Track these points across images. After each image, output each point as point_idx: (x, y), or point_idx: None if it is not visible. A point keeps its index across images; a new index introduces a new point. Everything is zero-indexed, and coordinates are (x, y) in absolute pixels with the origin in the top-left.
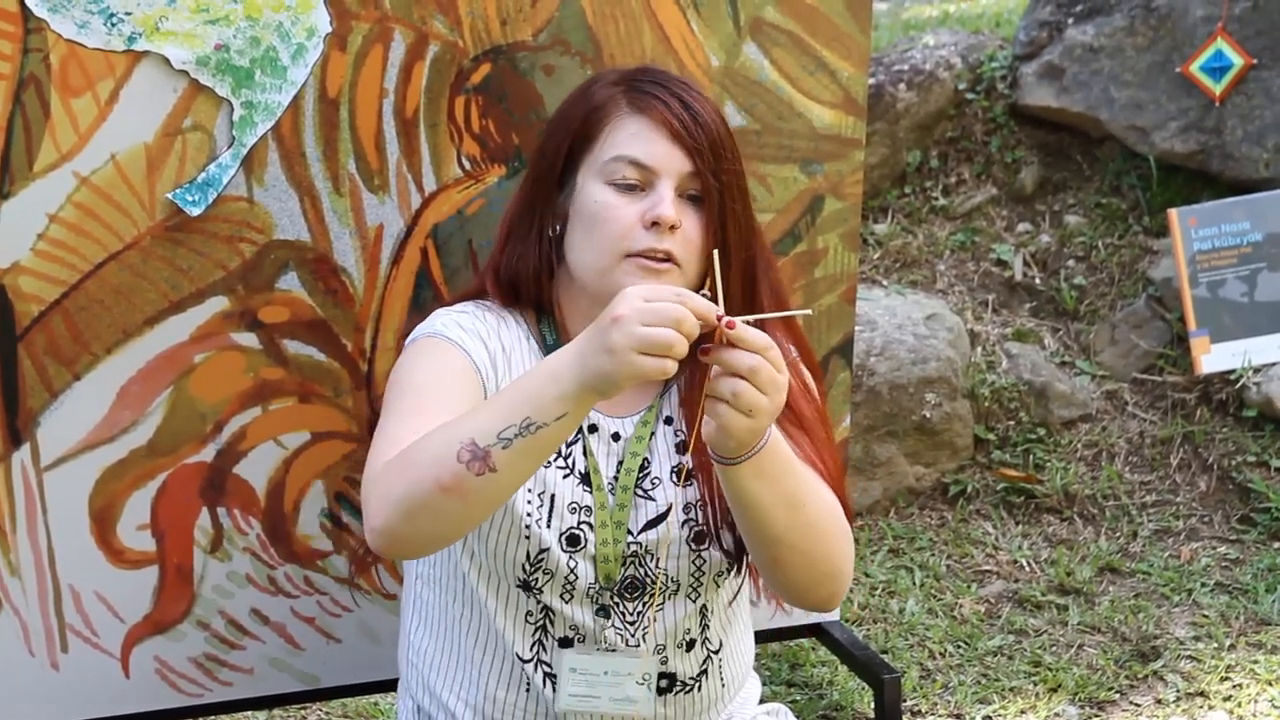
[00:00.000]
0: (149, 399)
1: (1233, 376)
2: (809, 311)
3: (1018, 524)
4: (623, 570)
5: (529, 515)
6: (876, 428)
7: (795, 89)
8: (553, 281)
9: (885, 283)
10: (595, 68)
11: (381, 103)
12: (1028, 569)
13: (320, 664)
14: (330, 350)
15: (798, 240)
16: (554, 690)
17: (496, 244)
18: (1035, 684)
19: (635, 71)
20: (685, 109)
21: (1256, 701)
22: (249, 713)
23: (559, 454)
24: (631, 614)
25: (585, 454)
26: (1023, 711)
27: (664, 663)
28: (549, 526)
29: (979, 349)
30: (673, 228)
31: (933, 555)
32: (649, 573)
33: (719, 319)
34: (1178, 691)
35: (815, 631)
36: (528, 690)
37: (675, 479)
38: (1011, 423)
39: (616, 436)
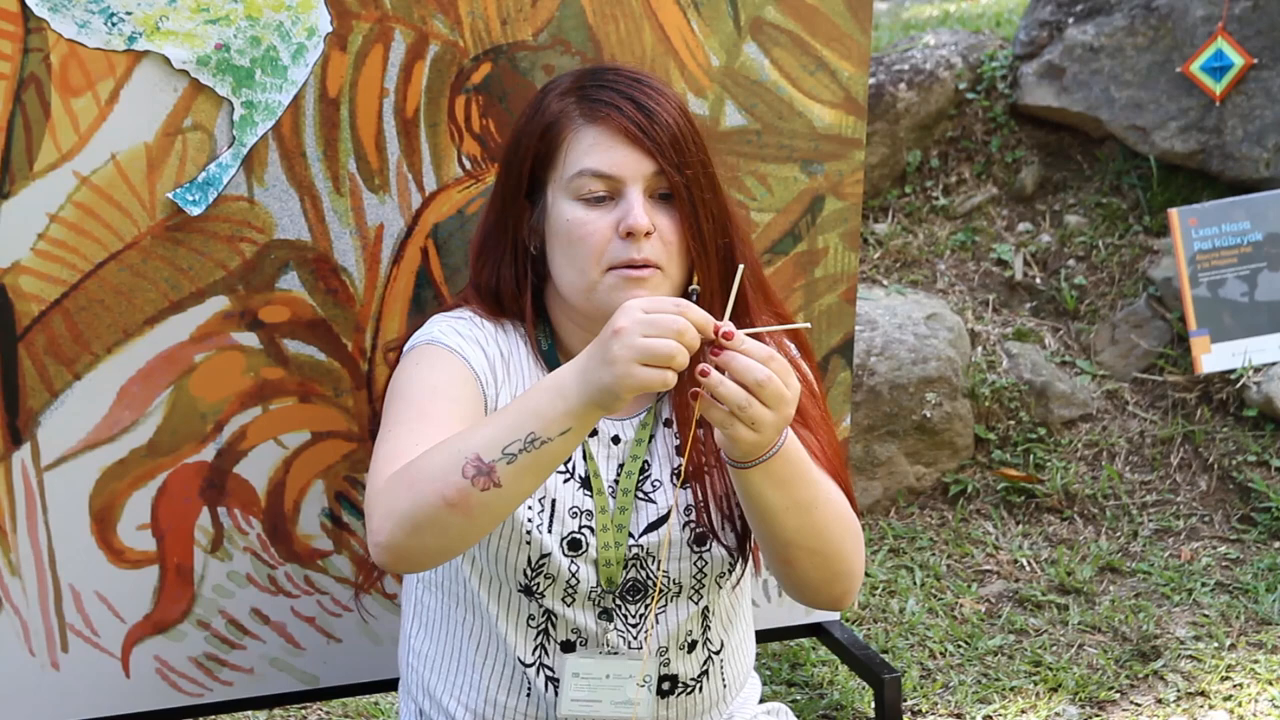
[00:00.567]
0: (149, 399)
1: (1233, 376)
2: (809, 325)
3: (1018, 524)
4: (624, 573)
5: (530, 521)
6: (877, 427)
7: (796, 89)
8: (544, 292)
9: (886, 282)
10: None
11: (382, 102)
12: (1028, 569)
13: (320, 664)
14: (330, 350)
15: (798, 240)
16: (555, 694)
17: (471, 263)
18: (1035, 684)
19: (585, 76)
20: (639, 109)
21: (1257, 701)
22: (249, 712)
23: None
24: (634, 616)
25: (585, 458)
26: (1023, 711)
27: (666, 664)
28: (550, 532)
29: (979, 349)
30: (648, 234)
31: (933, 555)
32: (650, 575)
33: (717, 330)
34: (1178, 691)
35: (815, 631)
36: (528, 695)
37: (675, 481)
38: (1012, 422)
39: (616, 440)
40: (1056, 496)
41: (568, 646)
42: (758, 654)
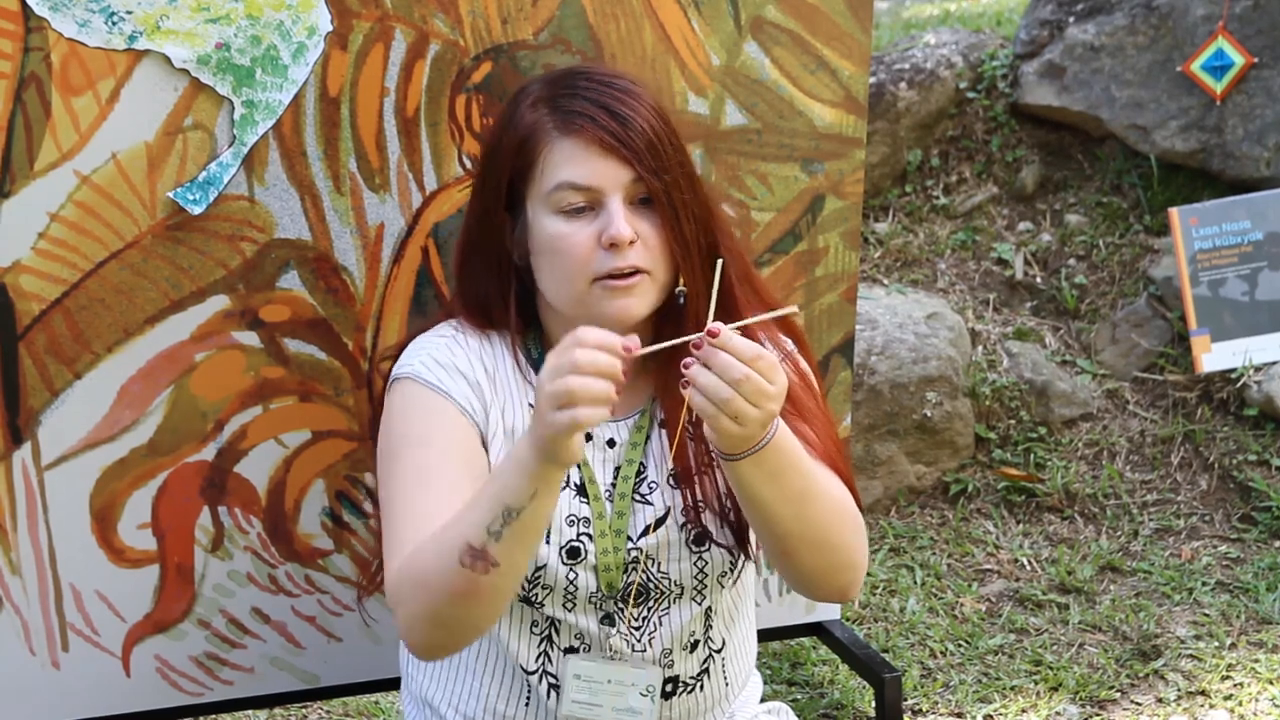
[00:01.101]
0: (150, 398)
1: (1233, 375)
2: (796, 309)
3: (1018, 523)
4: (625, 577)
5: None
6: (877, 427)
7: (796, 88)
8: (535, 299)
9: (886, 282)
10: None
11: (382, 101)
12: (1028, 568)
13: (321, 663)
14: (331, 349)
15: (798, 239)
16: (557, 698)
17: (456, 276)
18: (1036, 683)
19: (556, 84)
20: (613, 117)
21: (1257, 700)
22: (250, 712)
23: None
24: (636, 619)
25: (580, 465)
26: (1024, 710)
27: (669, 667)
28: (548, 542)
29: (980, 348)
30: (631, 242)
31: (933, 554)
32: (651, 578)
33: (706, 331)
34: (1179, 690)
35: (816, 630)
36: (527, 703)
37: (671, 482)
38: (1012, 422)
39: (612, 443)
40: (1057, 496)
41: (571, 651)
42: (758, 653)
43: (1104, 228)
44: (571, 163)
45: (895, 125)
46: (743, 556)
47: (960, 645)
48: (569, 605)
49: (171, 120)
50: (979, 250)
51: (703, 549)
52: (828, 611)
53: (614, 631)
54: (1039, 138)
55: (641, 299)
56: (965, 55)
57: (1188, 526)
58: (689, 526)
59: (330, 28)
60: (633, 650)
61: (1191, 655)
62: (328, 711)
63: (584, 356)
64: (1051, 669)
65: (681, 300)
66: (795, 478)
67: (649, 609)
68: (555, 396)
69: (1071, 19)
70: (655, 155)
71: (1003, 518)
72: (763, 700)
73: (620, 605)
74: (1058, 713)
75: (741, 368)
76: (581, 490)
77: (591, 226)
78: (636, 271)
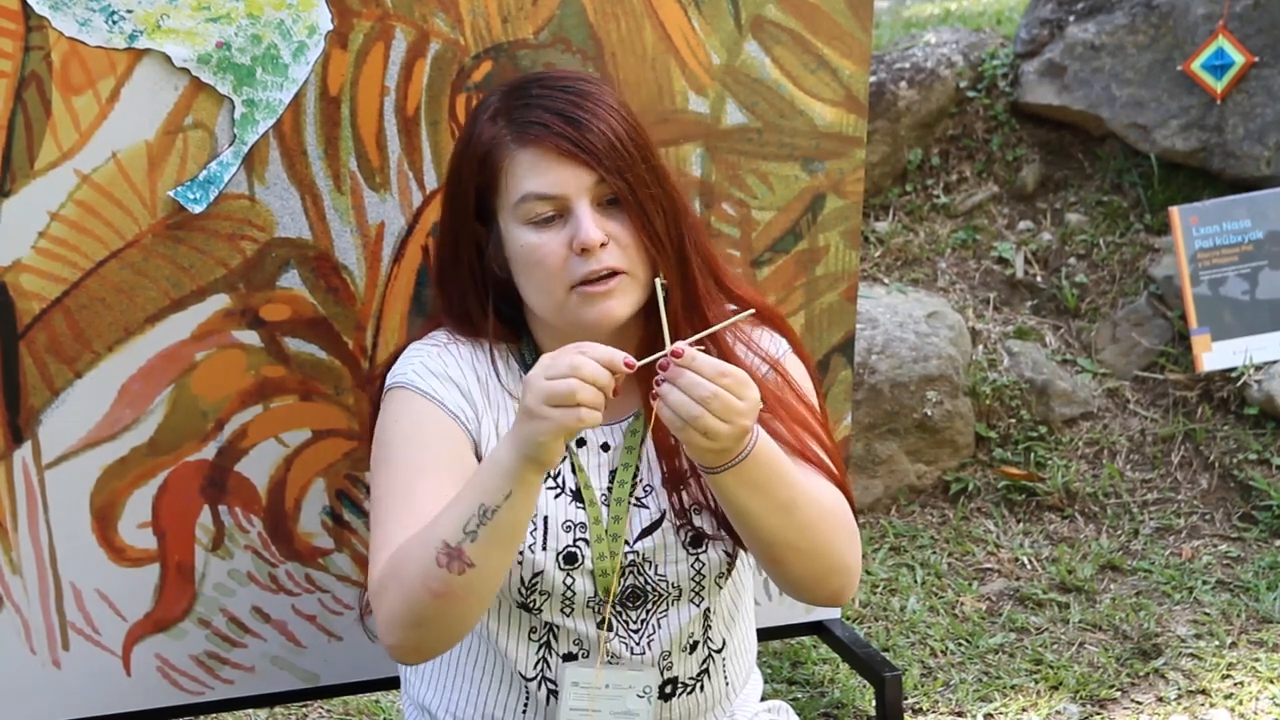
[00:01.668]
0: (150, 397)
1: (1234, 374)
2: (750, 312)
3: (1019, 522)
4: (622, 580)
5: (524, 541)
6: (878, 426)
7: (796, 87)
8: (523, 308)
9: (886, 281)
10: (596, 66)
11: (383, 100)
12: (1029, 567)
13: (321, 662)
14: (331, 348)
15: (799, 238)
16: (556, 703)
17: (435, 292)
18: (1036, 682)
19: (511, 95)
20: (568, 123)
21: (1258, 699)
22: (250, 711)
23: (549, 474)
24: (635, 622)
25: (575, 470)
26: (1024, 709)
27: (668, 669)
28: (544, 549)
29: (980, 347)
30: (602, 244)
31: (934, 553)
32: (648, 580)
33: (670, 352)
34: (1179, 689)
35: (816, 629)
36: (525, 710)
37: (665, 486)
38: (1013, 421)
39: (606, 447)
40: (1057, 495)
41: (570, 658)
42: (759, 652)
43: (1104, 227)
44: (533, 173)
45: (896, 124)
46: (740, 554)
47: (961, 644)
48: (566, 611)
49: (172, 119)
50: (979, 249)
51: (700, 550)
52: (828, 610)
53: (612, 635)
54: (1039, 137)
55: (622, 299)
56: (966, 54)
57: (1188, 525)
58: (684, 528)
59: (331, 27)
60: (631, 653)
61: (1192, 654)
62: (328, 710)
63: (585, 364)
64: (1052, 668)
65: (666, 294)
66: (779, 487)
67: (647, 612)
68: (557, 395)
69: (1072, 18)
70: (616, 155)
71: (1003, 517)
72: (763, 699)
73: (615, 609)
74: (1058, 712)
75: (709, 386)
76: (577, 495)
77: (562, 234)
78: (613, 274)
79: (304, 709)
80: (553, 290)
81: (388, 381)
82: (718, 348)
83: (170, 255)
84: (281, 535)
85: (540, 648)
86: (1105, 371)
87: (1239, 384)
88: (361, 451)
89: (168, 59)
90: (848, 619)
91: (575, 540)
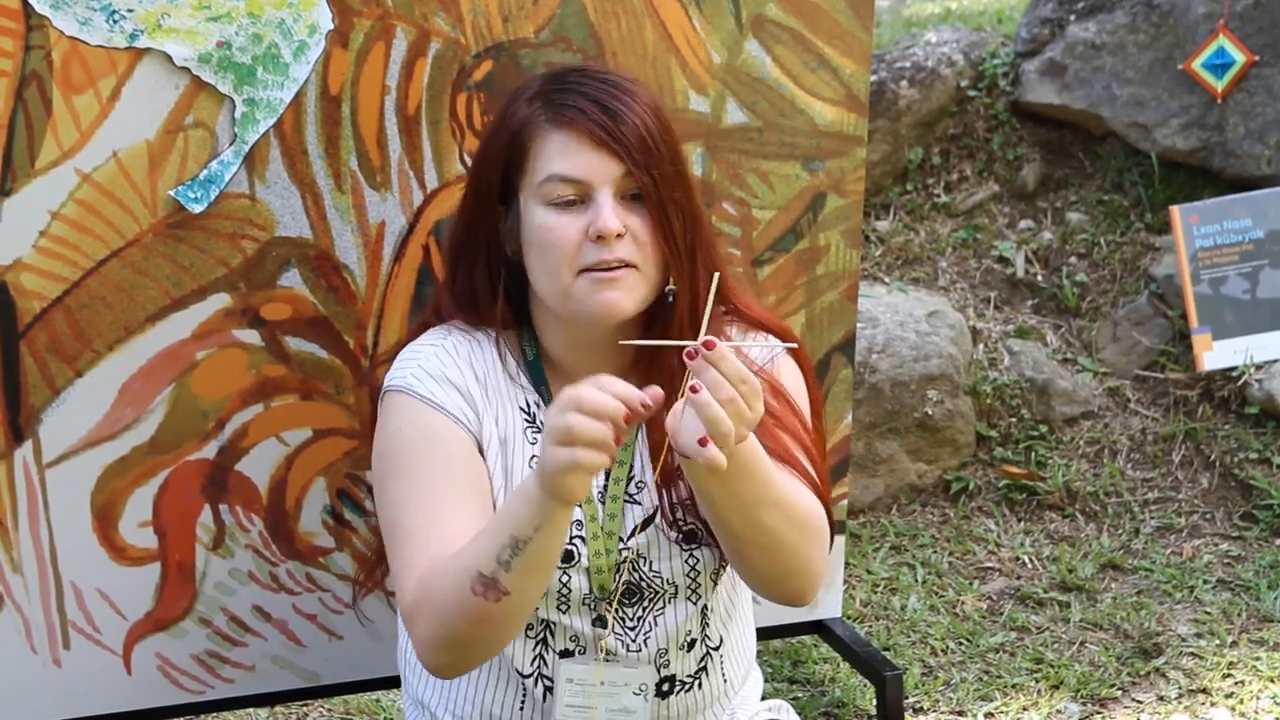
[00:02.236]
0: (151, 396)
1: (1234, 373)
2: (795, 345)
3: (1019, 521)
4: (617, 577)
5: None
6: (878, 425)
7: (797, 86)
8: (527, 297)
9: (887, 280)
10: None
11: (383, 100)
12: (1030, 566)
13: (322, 661)
14: (332, 347)
15: (800, 237)
16: (552, 700)
17: (445, 269)
18: (1037, 681)
19: (552, 80)
20: (604, 111)
21: (1259, 699)
22: (251, 710)
23: None
24: (631, 620)
25: None
26: (1025, 708)
27: (665, 667)
28: None
29: (981, 346)
30: (619, 235)
31: (935, 552)
32: (644, 577)
33: (702, 342)
34: (1180, 688)
35: (817, 629)
36: (522, 707)
37: (658, 481)
38: (1013, 420)
39: None
40: (1058, 494)
41: (566, 654)
42: (759, 651)
43: (1105, 226)
44: (562, 155)
45: (896, 123)
46: None
47: (961, 643)
48: (563, 608)
49: (173, 118)
50: (980, 248)
51: (693, 546)
52: (829, 610)
53: (607, 633)
54: (1040, 136)
55: (629, 294)
56: (966, 53)
57: (1189, 525)
58: (676, 524)
59: (331, 26)
60: (628, 651)
61: (1193, 653)
62: (329, 710)
63: (589, 396)
64: (1053, 667)
65: (670, 300)
66: (750, 485)
67: (644, 609)
68: (555, 431)
69: (1072, 17)
70: (646, 150)
71: (1004, 516)
72: (764, 698)
73: (607, 605)
74: (1059, 711)
75: (730, 389)
76: None
77: (580, 219)
78: (623, 266)
79: (304, 708)
80: (561, 273)
81: (384, 386)
82: None
83: (171, 254)
84: (282, 534)
85: (537, 645)
86: (1106, 371)
87: (1240, 383)
88: (362, 451)
89: (168, 58)
90: (848, 618)
91: (572, 538)
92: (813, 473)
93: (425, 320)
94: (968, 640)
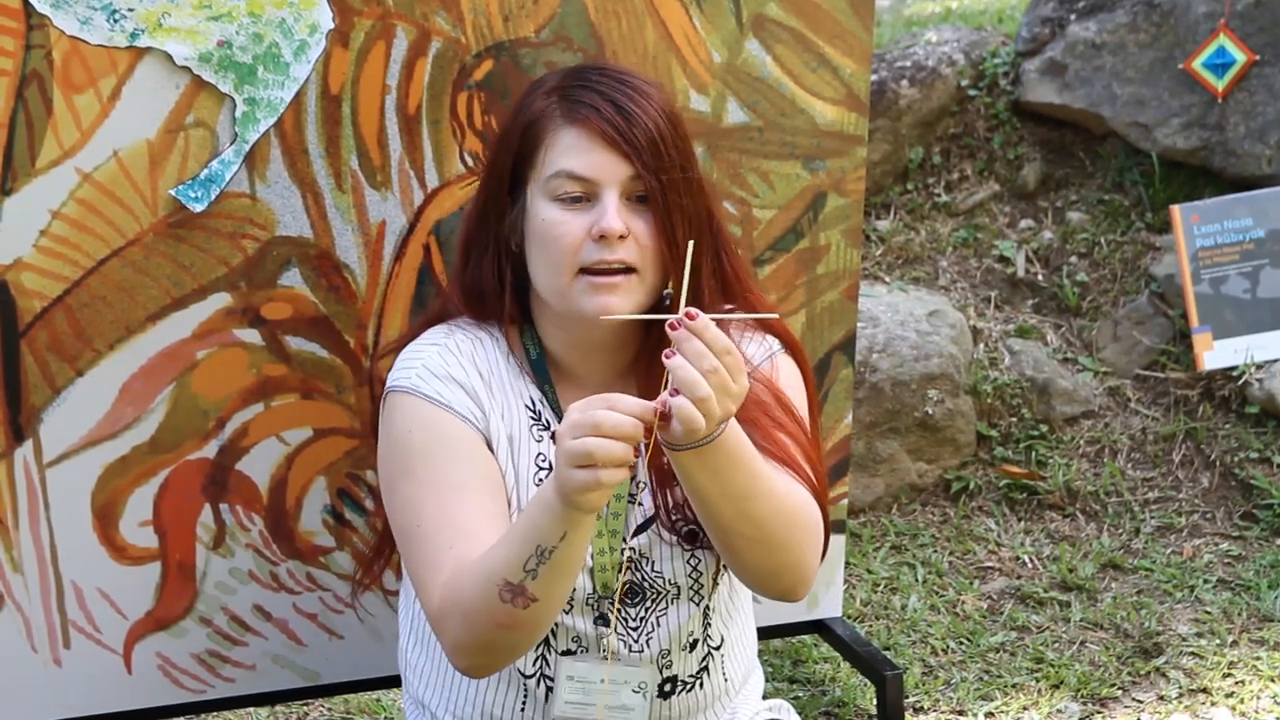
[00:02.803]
0: (151, 395)
1: (1235, 373)
2: (775, 315)
3: (1020, 520)
4: (619, 576)
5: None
6: (879, 424)
7: (798, 85)
8: (529, 295)
9: (888, 279)
10: None
11: (384, 99)
12: (1030, 566)
13: (322, 660)
14: (332, 347)
15: (800, 237)
16: (553, 699)
17: (457, 258)
18: (1037, 680)
19: (570, 75)
20: (619, 112)
21: (1259, 698)
22: (251, 709)
23: (547, 470)
24: (634, 620)
25: None
26: (1025, 708)
27: (668, 667)
28: None
29: (981, 345)
30: (622, 237)
31: (935, 552)
32: (646, 577)
33: (684, 313)
34: (1180, 688)
35: (817, 628)
36: (523, 707)
37: (652, 481)
38: (1014, 419)
39: None
40: (1058, 493)
41: (568, 654)
42: (759, 650)
43: (1105, 225)
44: (573, 152)
45: (897, 123)
46: None
47: (962, 643)
48: (566, 608)
49: (173, 118)
50: (980, 248)
51: (695, 546)
52: (829, 609)
53: (610, 631)
54: (1040, 135)
55: (625, 299)
56: (967, 53)
57: (1189, 524)
58: (680, 524)
59: (332, 25)
60: (630, 650)
61: (1193, 653)
62: (329, 709)
63: (607, 419)
64: (1053, 666)
65: (668, 303)
66: (740, 477)
67: (646, 609)
68: (574, 456)
69: (1073, 16)
70: (656, 154)
71: (1004, 515)
72: (765, 697)
73: (610, 604)
74: (1059, 710)
75: (713, 359)
76: None
77: (585, 218)
78: (624, 270)
79: (305, 707)
80: (561, 270)
81: (388, 386)
82: None
83: (171, 254)
84: (282, 534)
85: (539, 645)
86: (1106, 370)
87: (1240, 382)
88: (363, 450)
89: (169, 57)
90: (849, 617)
91: None
92: (810, 473)
93: (428, 319)
94: (968, 640)
